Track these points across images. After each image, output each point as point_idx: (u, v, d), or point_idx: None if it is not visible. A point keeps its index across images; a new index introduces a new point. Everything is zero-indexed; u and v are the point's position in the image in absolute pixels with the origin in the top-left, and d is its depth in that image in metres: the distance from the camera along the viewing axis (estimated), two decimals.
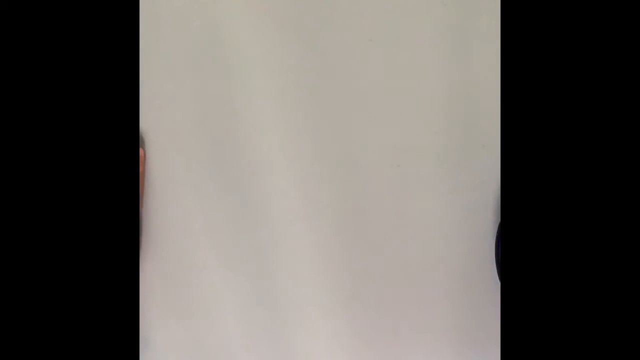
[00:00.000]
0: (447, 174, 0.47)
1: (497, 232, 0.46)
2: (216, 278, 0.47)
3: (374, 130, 0.47)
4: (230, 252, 0.47)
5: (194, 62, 0.48)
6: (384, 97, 0.47)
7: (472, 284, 0.46)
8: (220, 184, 0.47)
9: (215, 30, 0.48)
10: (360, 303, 0.46)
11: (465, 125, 0.47)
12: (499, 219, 0.46)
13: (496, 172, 0.46)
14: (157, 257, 0.44)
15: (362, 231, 0.47)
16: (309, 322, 0.47)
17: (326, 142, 0.47)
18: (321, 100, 0.47)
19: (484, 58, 0.47)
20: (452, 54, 0.47)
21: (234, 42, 0.48)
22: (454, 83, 0.47)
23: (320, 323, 0.47)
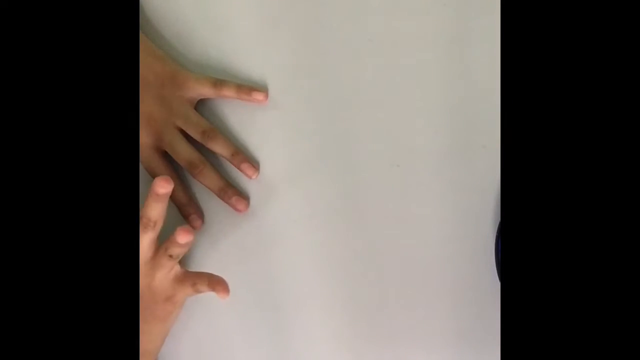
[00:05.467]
0: (447, 174, 0.47)
1: (497, 232, 0.46)
2: None
3: (374, 130, 0.47)
4: (230, 252, 0.47)
5: (194, 62, 0.48)
6: (384, 97, 0.47)
7: (472, 284, 0.46)
8: None
9: (215, 30, 0.48)
10: (360, 303, 0.46)
11: (465, 125, 0.47)
12: (499, 219, 0.46)
13: (496, 173, 0.46)
14: None
15: (362, 231, 0.47)
16: (309, 322, 0.47)
17: (326, 142, 0.47)
18: (321, 100, 0.47)
19: (484, 58, 0.47)
20: (452, 54, 0.47)
21: (233, 42, 0.48)
22: (454, 83, 0.47)
23: (320, 323, 0.47)
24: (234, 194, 0.46)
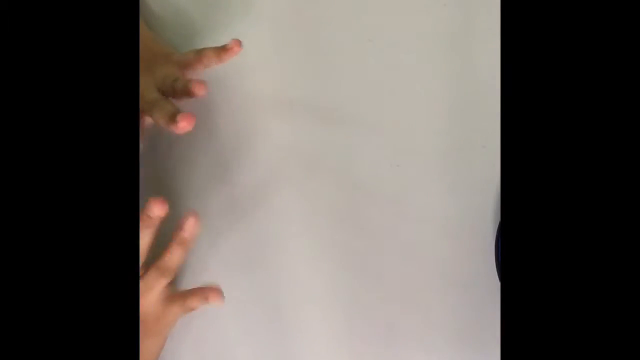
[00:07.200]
0: (447, 174, 0.47)
1: (497, 232, 0.46)
2: (216, 278, 0.47)
3: (374, 130, 0.47)
4: (230, 253, 0.47)
5: None
6: (384, 97, 0.47)
7: (472, 284, 0.46)
8: (220, 184, 0.47)
9: (214, 30, 0.48)
10: (360, 303, 0.46)
11: (465, 125, 0.47)
12: (499, 219, 0.46)
13: (496, 172, 0.46)
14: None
15: (362, 231, 0.47)
16: (309, 322, 0.46)
17: (326, 142, 0.47)
18: (321, 100, 0.47)
19: (484, 58, 0.47)
20: (452, 54, 0.47)
21: None
22: (454, 83, 0.47)
23: (320, 323, 0.46)
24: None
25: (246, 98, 0.48)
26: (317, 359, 0.47)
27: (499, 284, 0.45)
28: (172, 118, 0.40)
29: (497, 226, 0.46)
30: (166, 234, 0.42)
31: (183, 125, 0.40)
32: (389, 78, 0.47)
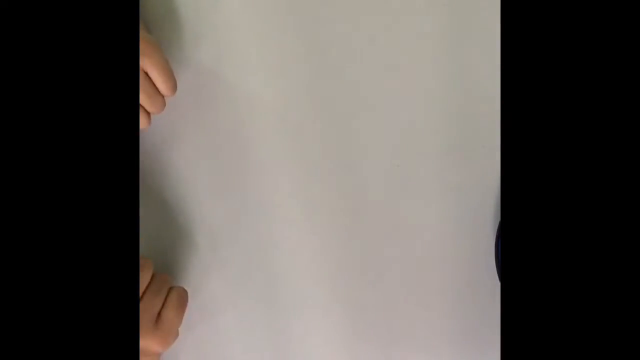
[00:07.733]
0: (447, 174, 0.47)
1: (497, 232, 0.46)
2: (216, 278, 0.47)
3: (374, 130, 0.47)
4: (230, 253, 0.47)
5: (193, 63, 0.48)
6: (384, 96, 0.47)
7: (472, 284, 0.46)
8: (220, 184, 0.47)
9: (214, 30, 0.48)
10: (360, 303, 0.46)
11: (465, 125, 0.47)
12: (499, 219, 0.46)
13: (496, 172, 0.46)
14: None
15: (362, 231, 0.47)
16: (309, 322, 0.47)
17: (326, 142, 0.47)
18: (321, 100, 0.47)
19: (483, 58, 0.47)
20: (452, 54, 0.47)
21: (233, 42, 0.48)
22: (454, 83, 0.47)
23: (320, 323, 0.47)
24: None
25: (246, 97, 0.48)
26: (317, 359, 0.47)
27: (499, 284, 0.45)
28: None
29: (497, 226, 0.46)
30: (165, 235, 0.42)
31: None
32: (389, 78, 0.47)
